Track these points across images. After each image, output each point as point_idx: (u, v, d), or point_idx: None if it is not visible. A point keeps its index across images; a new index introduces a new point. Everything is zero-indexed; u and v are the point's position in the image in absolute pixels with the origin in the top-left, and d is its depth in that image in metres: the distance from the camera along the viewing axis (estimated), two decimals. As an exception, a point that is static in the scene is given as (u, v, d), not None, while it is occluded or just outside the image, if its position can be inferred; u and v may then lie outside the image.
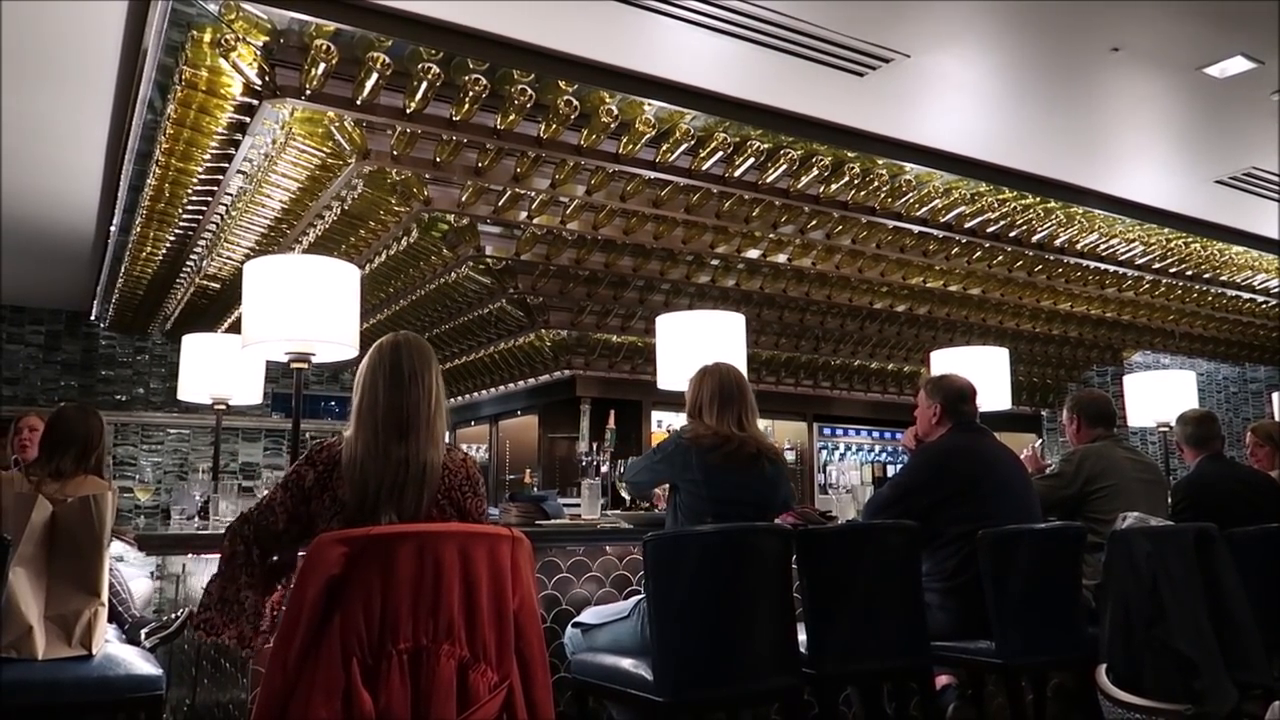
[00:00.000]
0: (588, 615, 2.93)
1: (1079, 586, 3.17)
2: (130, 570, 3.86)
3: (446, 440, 2.19)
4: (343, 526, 2.01)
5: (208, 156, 4.60)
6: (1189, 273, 7.13)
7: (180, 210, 5.39)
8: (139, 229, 5.73)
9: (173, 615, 3.27)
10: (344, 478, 2.07)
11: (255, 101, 3.98)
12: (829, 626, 2.74)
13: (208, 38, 3.66)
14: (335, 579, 1.87)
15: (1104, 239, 6.41)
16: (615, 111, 4.29)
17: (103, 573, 2.73)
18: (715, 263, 5.71)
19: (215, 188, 5.02)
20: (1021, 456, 4.09)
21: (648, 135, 4.45)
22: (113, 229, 5.99)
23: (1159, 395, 5.34)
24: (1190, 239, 6.57)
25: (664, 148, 4.60)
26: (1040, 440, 5.71)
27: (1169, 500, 3.84)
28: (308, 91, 3.85)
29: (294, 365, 3.20)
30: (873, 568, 2.84)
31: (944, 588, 3.10)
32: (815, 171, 4.99)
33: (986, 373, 4.56)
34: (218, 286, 6.72)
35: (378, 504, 2.03)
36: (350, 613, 1.85)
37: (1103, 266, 6.69)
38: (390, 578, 1.87)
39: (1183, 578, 3.12)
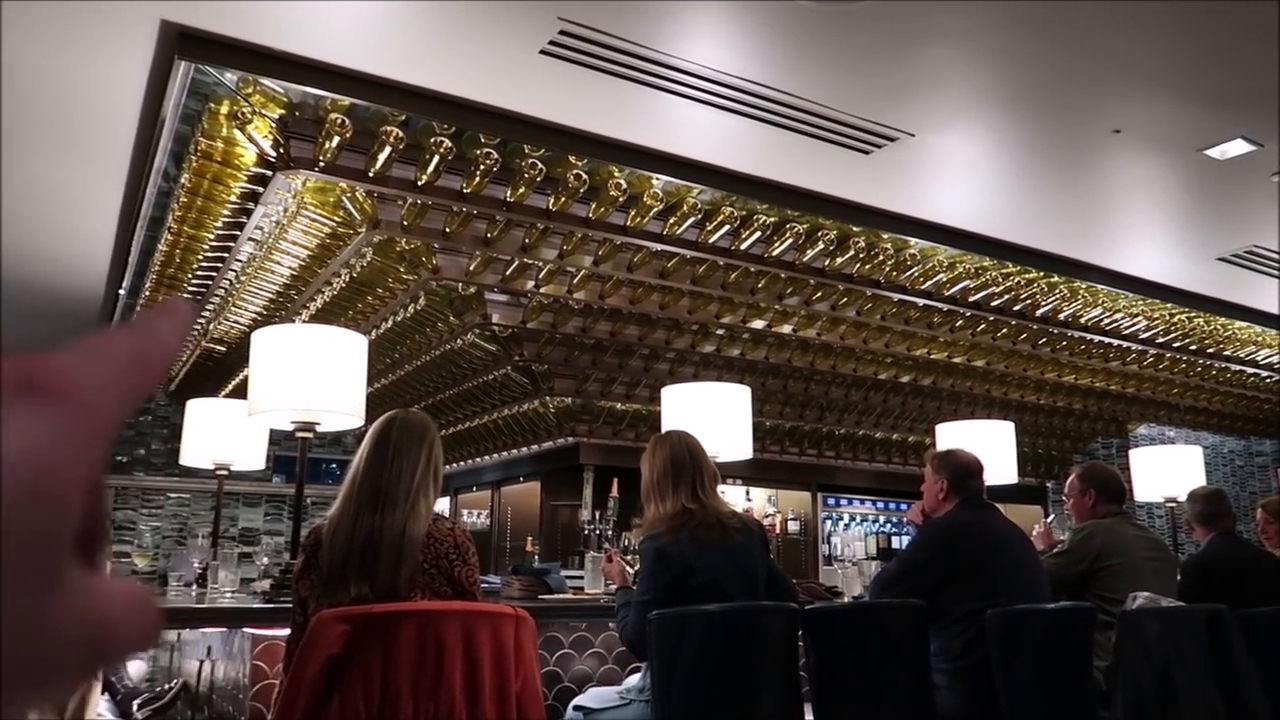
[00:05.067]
0: (589, 698, 2.87)
1: (1090, 668, 3.12)
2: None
3: (440, 512, 2.20)
4: (319, 599, 2.02)
5: (219, 224, 4.66)
6: (1192, 347, 7.15)
7: (190, 275, 5.44)
8: (148, 292, 5.78)
9: (166, 686, 3.22)
10: (324, 550, 2.08)
11: (269, 172, 4.05)
12: (837, 707, 2.68)
13: (225, 109, 3.74)
14: (335, 658, 1.84)
15: (1108, 313, 6.44)
16: (624, 185, 4.35)
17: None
18: (720, 332, 5.74)
19: (226, 254, 5.07)
20: (1033, 533, 4.06)
21: (656, 208, 4.51)
22: (122, 292, 6.05)
23: (1166, 470, 5.31)
24: (1193, 314, 6.60)
25: (671, 220, 4.66)
26: (1051, 517, 5.65)
27: (1178, 579, 3.79)
28: (321, 163, 3.91)
29: (299, 435, 3.19)
30: (880, 647, 2.79)
31: (953, 668, 3.05)
32: (821, 245, 5.04)
33: (992, 447, 4.54)
34: (224, 349, 6.74)
35: (346, 573, 2.03)
36: (350, 693, 1.82)
37: (1107, 340, 6.71)
38: (391, 657, 1.85)
39: (1195, 660, 3.08)
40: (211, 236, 4.84)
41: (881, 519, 7.78)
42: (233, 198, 4.37)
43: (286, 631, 2.29)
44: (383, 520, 2.07)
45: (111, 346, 0.27)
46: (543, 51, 3.53)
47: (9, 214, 5.15)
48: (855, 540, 7.46)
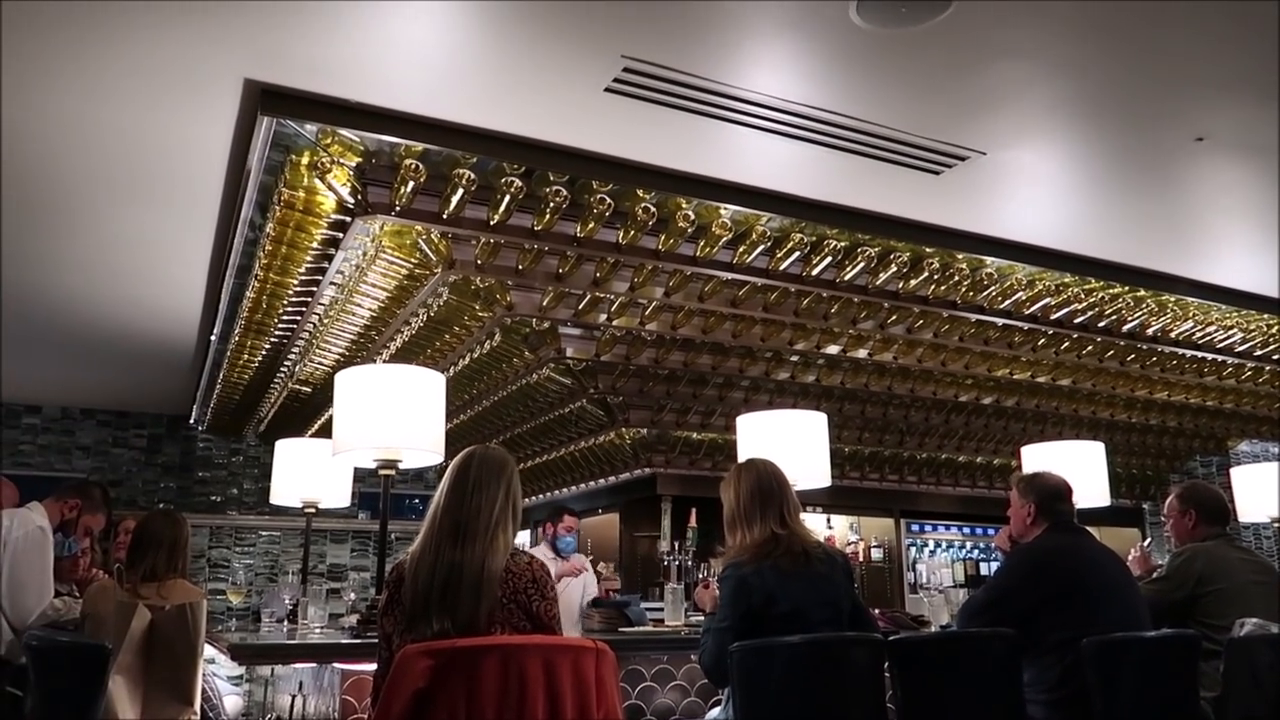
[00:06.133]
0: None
1: (1196, 699, 2.97)
2: (219, 674, 3.92)
3: (519, 546, 2.23)
4: (403, 634, 2.05)
5: (303, 270, 4.82)
6: (1293, 358, 6.83)
7: (276, 320, 5.63)
8: (237, 337, 5.99)
9: (262, 721, 3.29)
10: (406, 584, 2.12)
11: (348, 218, 4.18)
12: (927, 742, 2.61)
13: (305, 160, 3.88)
14: (421, 692, 1.87)
15: (1200, 326, 6.20)
16: (692, 216, 4.37)
17: (196, 681, 2.78)
18: (794, 359, 5.69)
19: (309, 298, 5.24)
20: (1129, 558, 3.91)
21: (725, 238, 4.52)
22: (213, 338, 6.28)
23: (1271, 488, 5.07)
24: (1292, 324, 6.31)
25: (741, 249, 4.66)
26: (1148, 540, 5.44)
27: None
28: (397, 208, 4.03)
29: (382, 472, 3.27)
30: (971, 678, 2.71)
31: (1049, 699, 2.94)
32: (894, 268, 4.98)
33: (1082, 468, 4.41)
34: (309, 390, 6.94)
35: (428, 607, 2.06)
36: (436, 728, 1.84)
37: (1200, 354, 6.45)
38: (475, 692, 1.86)
39: (1311, 690, 2.92)
40: (295, 282, 5.00)
41: (968, 545, 7.58)
42: (315, 244, 4.52)
43: (373, 666, 2.33)
44: (463, 555, 2.11)
45: None
46: (608, 89, 3.58)
47: (108, 266, 5.42)
48: (941, 567, 7.27)
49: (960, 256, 5.03)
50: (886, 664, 2.63)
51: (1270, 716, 2.86)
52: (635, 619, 3.31)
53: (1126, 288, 5.53)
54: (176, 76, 3.50)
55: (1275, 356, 6.73)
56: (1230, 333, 6.34)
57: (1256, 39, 3.35)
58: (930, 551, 7.40)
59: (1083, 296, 5.58)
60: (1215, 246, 5.31)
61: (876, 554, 7.22)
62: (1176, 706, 2.88)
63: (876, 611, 3.78)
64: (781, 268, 4.83)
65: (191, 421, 9.01)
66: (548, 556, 5.44)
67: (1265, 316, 6.11)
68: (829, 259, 4.83)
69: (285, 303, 5.33)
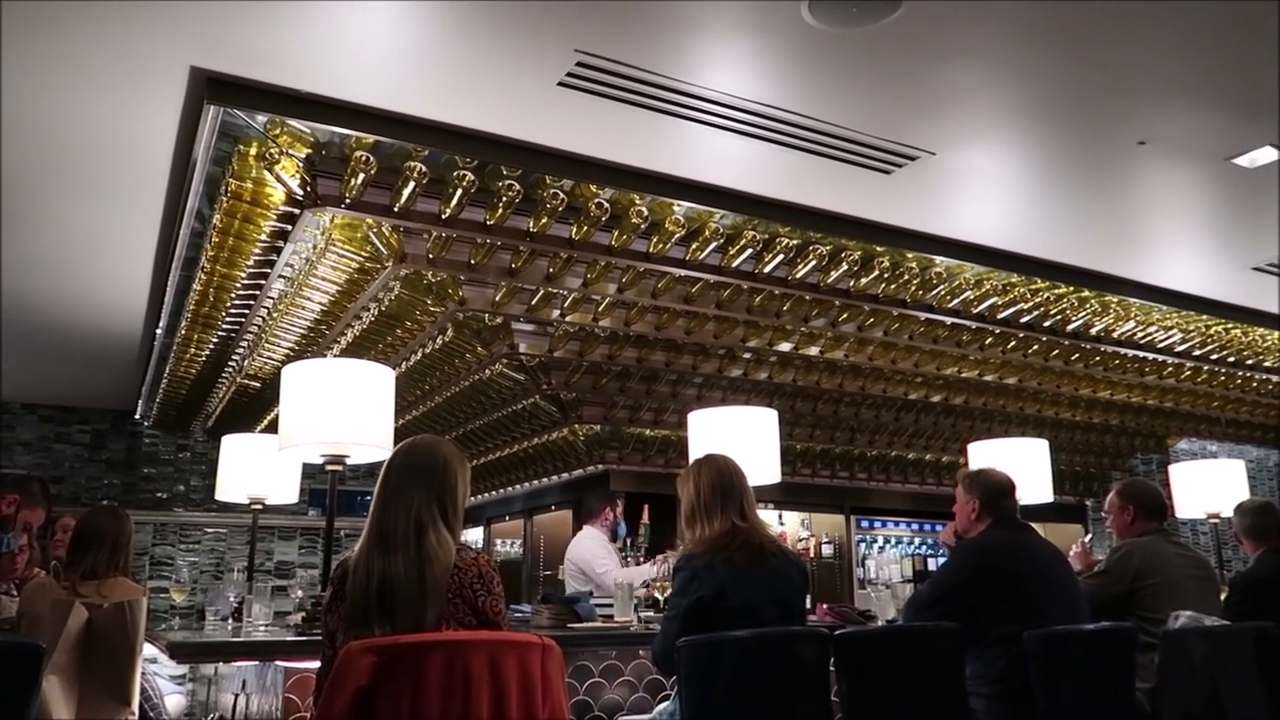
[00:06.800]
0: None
1: (1133, 690, 3.05)
2: (161, 673, 3.84)
3: (467, 542, 2.20)
4: (347, 631, 2.04)
5: (251, 263, 4.74)
6: (1230, 359, 7.01)
7: (224, 314, 5.53)
8: (184, 332, 5.88)
9: (204, 721, 3.24)
10: (349, 584, 2.10)
11: (297, 210, 4.12)
12: (871, 734, 2.64)
13: (253, 151, 3.81)
14: (363, 690, 1.84)
15: (1141, 326, 6.34)
16: (645, 213, 4.38)
17: (134, 680, 2.73)
18: (747, 356, 5.73)
19: (258, 292, 5.15)
20: (1070, 554, 3.99)
21: (678, 234, 4.53)
22: (158, 332, 6.16)
23: (1208, 485, 5.21)
24: (1230, 325, 6.48)
25: (694, 246, 4.67)
26: (1089, 535, 5.55)
27: (1221, 597, 3.70)
28: (347, 200, 3.98)
29: (329, 468, 3.23)
30: (916, 672, 2.75)
31: (991, 692, 2.99)
32: (845, 266, 5.03)
33: (1026, 465, 4.49)
34: (258, 385, 6.83)
35: (368, 614, 2.03)
36: (379, 726, 1.82)
37: (1141, 354, 6.60)
38: (419, 689, 1.85)
39: (1243, 680, 3.00)
40: (243, 275, 4.92)
41: (917, 541, 7.68)
42: (263, 236, 4.45)
43: (318, 664, 2.30)
44: (393, 565, 2.06)
45: None
46: (561, 84, 3.57)
47: (50, 259, 5.29)
48: (890, 563, 7.36)
49: (910, 256, 5.10)
50: (833, 658, 2.66)
51: (1203, 707, 2.94)
52: (585, 615, 3.31)
53: (1071, 288, 5.64)
54: (121, 64, 3.42)
55: (1214, 356, 6.91)
56: (1170, 333, 6.50)
57: (1197, 47, 3.43)
58: (880, 547, 7.49)
59: (1029, 296, 5.68)
60: (1157, 249, 5.44)
61: (827, 550, 7.29)
62: (1114, 697, 2.96)
63: (824, 606, 3.83)
64: (734, 265, 4.86)
65: (137, 417, 8.83)
66: (604, 543, 5.25)
67: (1204, 318, 6.27)
68: (781, 256, 4.87)
69: (233, 296, 5.24)
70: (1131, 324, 6.28)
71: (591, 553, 5.10)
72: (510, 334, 5.08)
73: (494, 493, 7.73)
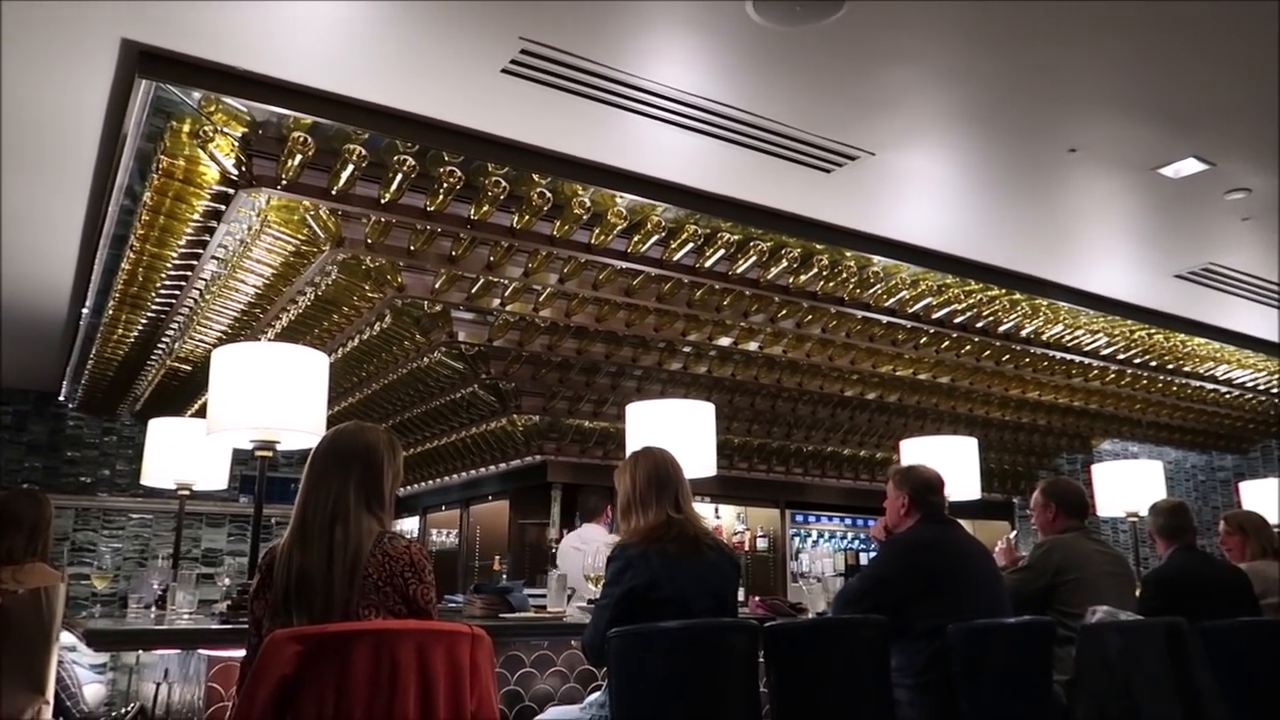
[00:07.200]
0: (550, 716, 2.86)
1: (1051, 683, 3.14)
2: (81, 662, 3.74)
3: (399, 530, 2.18)
4: (272, 619, 2.01)
5: (183, 242, 4.63)
6: (1153, 363, 7.26)
7: (153, 294, 5.38)
8: (111, 311, 5.71)
9: (124, 710, 3.17)
10: (274, 572, 2.08)
11: (232, 190, 4.02)
12: (798, 724, 2.68)
13: (187, 128, 3.72)
14: (288, 679, 1.82)
15: (1069, 330, 6.52)
16: (588, 204, 4.37)
17: (49, 669, 2.65)
18: (687, 350, 5.76)
19: (189, 273, 5.03)
20: (995, 550, 4.08)
21: (620, 226, 4.53)
22: (85, 311, 5.97)
23: (1127, 484, 5.36)
24: (1153, 330, 6.70)
25: (636, 239, 4.68)
26: (1014, 532, 5.70)
27: (1137, 593, 3.83)
28: (284, 181, 3.90)
29: (258, 453, 3.17)
30: (843, 664, 2.79)
31: (915, 683, 3.06)
32: (785, 263, 5.08)
33: (956, 462, 4.58)
34: (189, 369, 6.67)
35: (288, 605, 2.01)
36: (302, 715, 1.79)
37: (1069, 357, 6.79)
38: (345, 678, 1.83)
39: (1155, 673, 3.11)
40: (175, 255, 4.80)
41: (850, 535, 7.81)
42: (196, 216, 4.34)
43: (242, 653, 2.26)
44: (309, 555, 2.03)
45: None
46: (504, 70, 3.55)
47: (-32, 233, 5.09)
48: (824, 557, 7.48)
49: (848, 254, 5.17)
50: (762, 650, 2.69)
51: (1117, 698, 3.03)
52: (517, 605, 3.30)
53: (1003, 290, 5.78)
54: (47, 32, 3.30)
55: (1137, 361, 7.14)
56: (1097, 337, 6.69)
57: (1127, 58, 3.53)
58: (814, 542, 7.60)
59: (962, 297, 5.81)
60: (1086, 254, 5.60)
61: (762, 544, 7.38)
62: (1032, 689, 3.04)
63: (756, 599, 3.87)
64: (675, 258, 4.88)
65: (61, 398, 8.55)
66: (607, 538, 5.20)
67: (1129, 322, 6.47)
68: (722, 252, 4.90)
69: (163, 276, 5.10)
70: (1060, 327, 6.45)
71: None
72: (449, 322, 5.04)
73: (430, 482, 7.66)
